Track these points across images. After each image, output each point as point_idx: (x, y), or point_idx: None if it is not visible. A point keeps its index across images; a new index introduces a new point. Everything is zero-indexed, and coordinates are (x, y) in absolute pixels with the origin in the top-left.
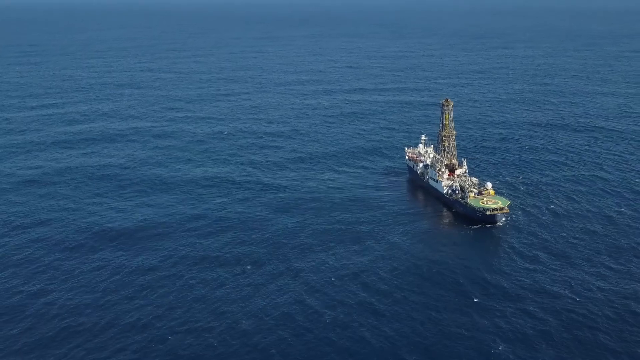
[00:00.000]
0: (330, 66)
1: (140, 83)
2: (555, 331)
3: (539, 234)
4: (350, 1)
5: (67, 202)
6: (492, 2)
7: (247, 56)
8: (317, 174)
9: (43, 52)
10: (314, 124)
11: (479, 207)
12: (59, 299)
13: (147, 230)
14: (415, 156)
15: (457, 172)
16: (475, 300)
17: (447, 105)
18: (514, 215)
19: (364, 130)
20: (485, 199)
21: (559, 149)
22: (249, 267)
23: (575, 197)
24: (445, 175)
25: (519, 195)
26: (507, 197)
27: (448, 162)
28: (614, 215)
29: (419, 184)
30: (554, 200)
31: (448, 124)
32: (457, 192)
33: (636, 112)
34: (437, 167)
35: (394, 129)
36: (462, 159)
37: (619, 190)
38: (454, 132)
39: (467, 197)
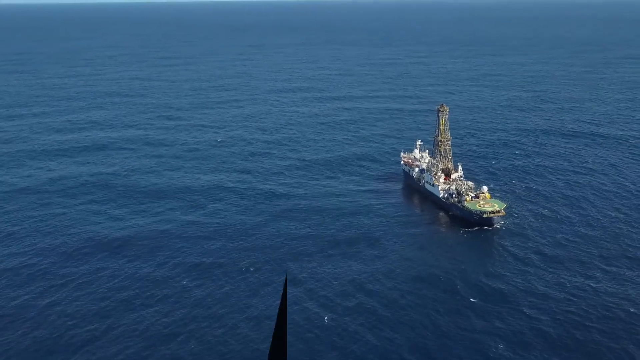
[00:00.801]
0: (320, 73)
1: (130, 91)
2: (552, 331)
3: (534, 237)
4: (343, 9)
5: (60, 210)
6: (481, 11)
7: (237, 64)
8: (312, 180)
9: (30, 61)
10: (306, 131)
11: (476, 210)
12: (57, 304)
13: (143, 236)
14: (411, 161)
15: (453, 176)
16: (472, 301)
17: (443, 111)
18: (509, 219)
19: (356, 136)
20: (481, 202)
21: (551, 154)
22: (246, 271)
23: (567, 201)
24: (442, 180)
25: (513, 199)
26: (502, 201)
27: (444, 167)
28: (605, 219)
29: (415, 189)
30: (547, 204)
31: (443, 129)
32: (453, 195)
33: (624, 118)
34: (434, 171)
35: (385, 135)
36: (458, 163)
37: (609, 194)
38: (449, 137)
39: (463, 200)
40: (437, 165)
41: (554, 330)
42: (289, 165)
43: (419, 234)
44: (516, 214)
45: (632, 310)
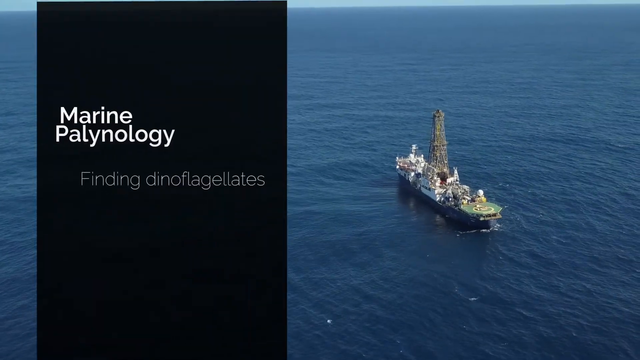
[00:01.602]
0: (310, 81)
1: None
2: (549, 331)
3: (528, 240)
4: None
5: None
6: (476, 18)
7: None
8: (307, 187)
9: (16, 69)
10: (299, 138)
11: (473, 213)
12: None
13: None
14: (406, 165)
15: (449, 180)
16: (470, 302)
17: (439, 116)
18: (505, 222)
19: (349, 143)
20: (478, 205)
21: (544, 159)
22: None
23: (561, 205)
24: (438, 184)
25: (508, 204)
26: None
27: (439, 171)
28: (597, 222)
29: (411, 193)
30: (541, 208)
31: (439, 134)
32: (450, 199)
33: (616, 124)
34: (430, 175)
35: (378, 141)
36: (454, 168)
37: (600, 197)
38: (445, 142)
39: (460, 204)
40: (433, 169)
41: (551, 330)
42: None
43: (415, 237)
44: (510, 219)
45: (625, 309)
